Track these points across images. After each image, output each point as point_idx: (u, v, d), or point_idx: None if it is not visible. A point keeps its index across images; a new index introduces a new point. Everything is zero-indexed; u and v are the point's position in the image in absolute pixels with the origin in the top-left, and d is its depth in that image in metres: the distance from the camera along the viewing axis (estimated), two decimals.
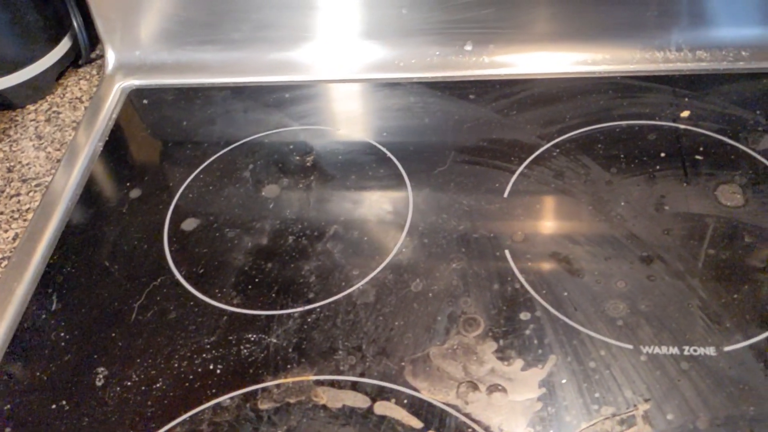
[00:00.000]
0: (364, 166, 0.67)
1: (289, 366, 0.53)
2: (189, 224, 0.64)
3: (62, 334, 0.57)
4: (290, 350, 0.54)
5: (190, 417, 0.51)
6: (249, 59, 0.77)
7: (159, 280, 0.60)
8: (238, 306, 0.57)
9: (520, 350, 0.52)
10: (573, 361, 0.51)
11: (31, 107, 0.79)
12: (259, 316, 0.56)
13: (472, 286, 0.56)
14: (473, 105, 0.71)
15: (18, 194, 0.69)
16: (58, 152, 0.73)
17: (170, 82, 0.79)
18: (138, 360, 0.55)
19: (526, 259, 0.57)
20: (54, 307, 0.59)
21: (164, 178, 0.68)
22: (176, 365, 0.54)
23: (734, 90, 0.68)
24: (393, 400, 0.50)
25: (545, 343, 0.52)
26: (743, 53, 0.70)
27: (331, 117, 0.72)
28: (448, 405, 0.50)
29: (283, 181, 0.66)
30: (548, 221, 0.60)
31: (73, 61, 0.83)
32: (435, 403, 0.50)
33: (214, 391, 0.52)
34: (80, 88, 0.81)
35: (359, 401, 0.51)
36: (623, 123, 0.66)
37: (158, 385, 0.53)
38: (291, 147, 0.69)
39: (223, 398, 0.52)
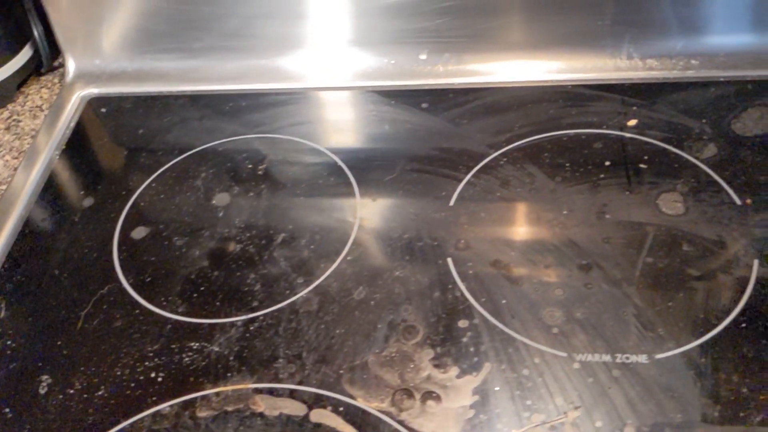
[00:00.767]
0: (315, 174, 0.67)
1: (229, 374, 0.53)
2: (139, 233, 0.64)
3: (9, 342, 0.57)
4: (231, 358, 0.54)
5: (130, 425, 0.51)
6: (207, 68, 0.78)
7: (106, 288, 0.60)
8: (182, 314, 0.58)
9: (456, 358, 0.52)
10: (507, 369, 0.51)
11: None
12: (203, 324, 0.57)
13: (413, 294, 0.57)
14: (426, 114, 0.72)
15: None
16: (15, 160, 0.74)
17: (129, 90, 0.79)
18: (82, 368, 0.55)
19: (468, 267, 0.58)
20: (2, 314, 0.59)
21: (117, 187, 0.69)
22: (119, 373, 0.54)
23: (682, 99, 0.69)
24: (329, 408, 0.51)
25: (481, 350, 0.53)
26: (693, 62, 0.71)
27: (286, 125, 0.72)
28: (383, 412, 0.50)
29: (234, 190, 0.67)
30: (491, 229, 0.61)
31: (34, 70, 0.83)
32: (370, 410, 0.50)
33: (154, 398, 0.53)
34: (41, 97, 0.82)
35: (296, 409, 0.51)
36: (571, 132, 0.67)
37: (100, 392, 0.53)
38: (244, 155, 0.70)
39: (162, 406, 0.52)
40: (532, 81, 0.73)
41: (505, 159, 0.66)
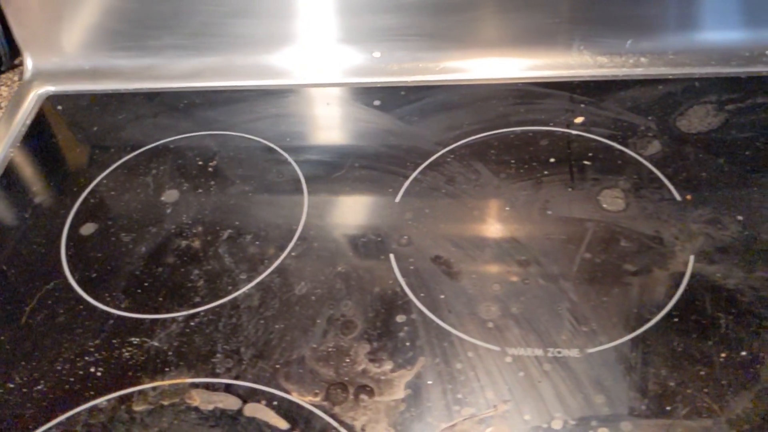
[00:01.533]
0: (264, 171, 0.68)
1: (167, 369, 0.54)
2: (87, 229, 0.65)
3: None
4: (170, 353, 0.55)
5: (66, 419, 0.52)
6: (162, 66, 0.78)
7: (52, 284, 0.61)
8: (125, 310, 0.58)
9: (392, 352, 0.53)
10: (441, 363, 0.52)
11: None
12: (144, 320, 0.57)
13: (354, 290, 0.57)
14: (378, 111, 0.72)
15: None
16: None
17: (86, 88, 0.80)
18: (23, 362, 0.55)
19: (409, 262, 0.58)
20: None
21: (69, 183, 0.69)
22: (59, 368, 0.55)
23: (630, 96, 0.69)
24: (263, 402, 0.51)
25: (417, 345, 0.53)
26: (642, 59, 0.72)
27: (238, 122, 0.73)
28: (316, 406, 0.51)
29: (184, 186, 0.67)
30: (435, 225, 0.61)
31: None
32: (303, 404, 0.51)
33: (92, 393, 0.53)
34: (0, 95, 0.82)
35: (231, 403, 0.52)
36: (518, 129, 0.68)
37: (39, 387, 0.54)
38: (195, 152, 0.70)
39: (100, 400, 0.53)
40: (484, 79, 0.73)
41: (452, 156, 0.66)
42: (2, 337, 0.57)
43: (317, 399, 0.51)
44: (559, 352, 0.51)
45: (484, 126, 0.69)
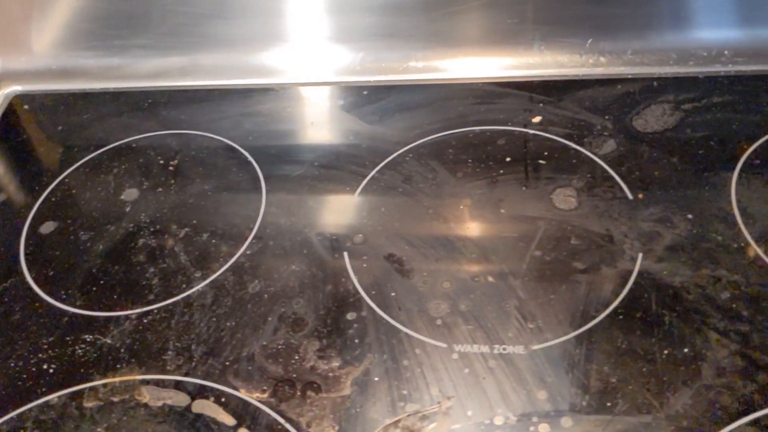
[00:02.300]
0: (224, 170, 0.68)
1: (118, 366, 0.54)
2: (47, 227, 0.65)
3: None
4: (122, 351, 0.55)
5: (17, 415, 0.52)
6: (128, 65, 0.79)
7: (9, 282, 0.61)
8: (80, 307, 0.58)
9: (341, 349, 0.53)
10: (388, 360, 0.52)
11: None
12: (98, 317, 0.58)
13: (307, 287, 0.58)
14: (340, 110, 0.73)
15: None
16: None
17: (53, 87, 0.80)
18: None
19: (363, 260, 0.59)
20: None
21: (32, 182, 0.70)
22: (12, 365, 0.55)
23: (588, 96, 0.70)
24: (211, 399, 0.52)
25: (366, 342, 0.54)
26: (602, 59, 0.72)
27: (201, 122, 0.73)
28: (263, 403, 0.51)
29: (144, 185, 0.68)
30: (390, 224, 0.62)
31: None
32: (250, 401, 0.51)
33: (44, 389, 0.53)
34: None
35: (179, 400, 0.52)
36: (477, 128, 0.68)
37: None
38: (157, 151, 0.71)
39: (51, 397, 0.53)
40: (445, 79, 0.74)
41: (410, 155, 0.67)
42: None
43: (265, 396, 0.51)
44: (504, 349, 0.52)
45: (443, 125, 0.69)
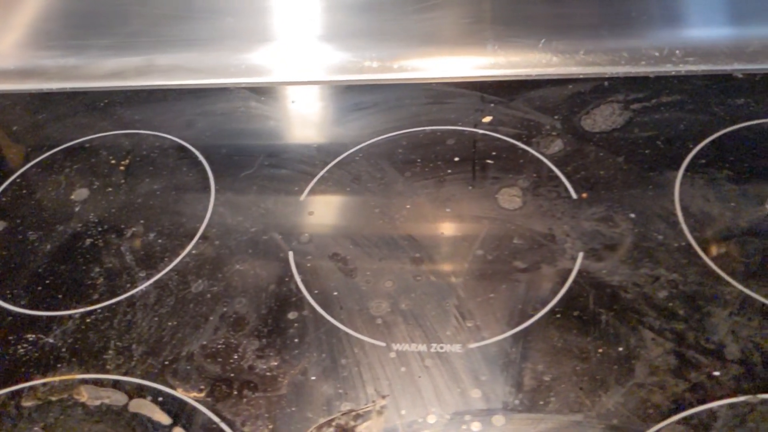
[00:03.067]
0: (175, 169, 0.68)
1: (59, 365, 0.54)
2: None
3: None
4: (64, 350, 0.55)
5: None
6: (85, 66, 0.79)
7: None
8: (24, 307, 0.58)
9: (280, 349, 0.53)
10: (327, 359, 0.52)
11: None
12: (42, 317, 0.58)
13: (250, 287, 0.58)
14: (293, 110, 0.73)
15: None
16: None
17: (11, 88, 0.80)
18: None
19: (307, 260, 0.59)
20: None
21: None
22: None
23: (539, 96, 0.70)
24: (149, 398, 0.52)
25: (305, 341, 0.54)
26: (554, 59, 0.72)
27: (156, 122, 0.73)
28: (199, 402, 0.51)
29: (95, 185, 0.68)
30: (336, 223, 0.62)
31: None
32: (187, 400, 0.51)
33: None
34: None
35: (117, 399, 0.52)
36: (428, 128, 0.68)
37: None
38: (110, 151, 0.71)
39: None
40: (398, 78, 0.74)
41: (361, 155, 0.67)
42: None
43: (201, 395, 0.51)
44: (441, 348, 0.52)
45: (395, 125, 0.69)
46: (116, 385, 0.53)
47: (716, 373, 0.48)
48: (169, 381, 0.52)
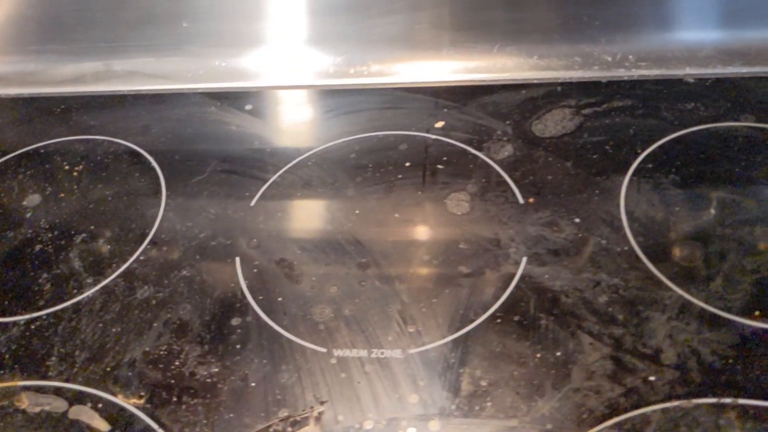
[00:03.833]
0: (127, 175, 0.68)
1: (1, 372, 0.54)
2: None
3: None
4: (7, 356, 0.55)
5: None
6: (42, 71, 0.79)
7: None
8: None
9: (222, 355, 0.53)
10: (268, 365, 0.53)
11: None
12: None
13: (195, 293, 0.58)
14: (248, 115, 0.73)
15: None
16: None
17: None
18: None
19: (254, 265, 0.59)
20: None
21: None
22: None
23: (492, 101, 0.70)
24: (89, 405, 0.52)
25: (248, 347, 0.54)
26: (509, 64, 0.73)
27: (111, 127, 0.73)
28: (139, 408, 0.51)
29: (47, 191, 0.68)
30: (284, 229, 0.62)
31: None
32: (126, 406, 0.51)
33: None
34: None
35: (57, 406, 0.52)
36: (381, 133, 0.68)
37: None
38: (64, 157, 0.71)
39: None
40: (354, 84, 0.74)
41: (313, 160, 0.67)
42: None
43: (141, 401, 0.51)
44: (382, 353, 0.52)
45: (349, 130, 0.70)
46: (58, 391, 0.53)
47: (652, 378, 0.49)
48: (110, 387, 0.52)
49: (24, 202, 0.67)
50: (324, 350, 0.53)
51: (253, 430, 0.49)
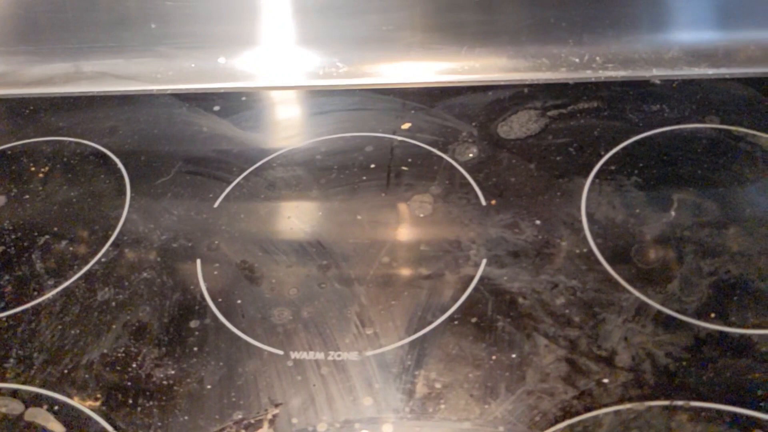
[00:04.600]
0: (93, 176, 0.68)
1: None
2: None
3: None
4: None
5: None
6: (11, 72, 0.79)
7: None
8: None
9: (179, 357, 0.53)
10: (224, 367, 0.52)
11: None
12: None
13: (155, 295, 0.58)
14: (215, 116, 0.73)
15: None
16: None
17: None
18: None
19: (214, 267, 0.59)
20: None
21: None
22: None
23: (459, 103, 0.70)
24: (45, 407, 0.52)
25: (205, 350, 0.54)
26: (476, 66, 0.73)
27: (78, 129, 0.73)
28: (94, 410, 0.51)
29: (12, 192, 0.68)
30: (247, 230, 0.62)
31: None
32: (82, 408, 0.51)
33: None
34: None
35: (13, 408, 0.52)
36: (347, 135, 0.68)
37: None
38: (30, 158, 0.71)
39: None
40: (322, 85, 0.74)
41: (278, 162, 0.67)
42: None
43: (97, 404, 0.51)
44: (339, 356, 0.52)
45: (316, 131, 0.70)
46: (15, 394, 0.53)
47: (605, 381, 0.49)
48: (66, 390, 0.52)
49: None
50: (281, 353, 0.53)
51: None
